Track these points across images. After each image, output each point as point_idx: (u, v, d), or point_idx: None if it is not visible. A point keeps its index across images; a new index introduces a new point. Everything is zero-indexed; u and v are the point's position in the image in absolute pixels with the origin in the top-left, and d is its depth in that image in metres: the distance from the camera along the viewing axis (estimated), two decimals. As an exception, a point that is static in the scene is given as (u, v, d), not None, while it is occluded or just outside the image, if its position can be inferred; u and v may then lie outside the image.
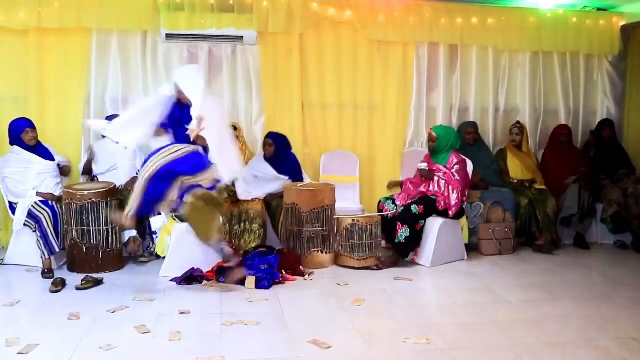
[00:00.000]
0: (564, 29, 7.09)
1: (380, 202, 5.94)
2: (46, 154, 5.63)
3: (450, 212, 5.67)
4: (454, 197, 5.66)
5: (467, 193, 5.87)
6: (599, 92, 7.51)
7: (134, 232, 5.64)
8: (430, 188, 5.77)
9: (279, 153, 6.19)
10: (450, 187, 5.68)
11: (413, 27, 6.78)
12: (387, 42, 6.84)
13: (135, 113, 4.96)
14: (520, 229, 6.35)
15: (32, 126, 5.56)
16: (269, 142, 6.21)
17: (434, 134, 5.85)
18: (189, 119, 4.78)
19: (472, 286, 5.20)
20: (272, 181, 6.10)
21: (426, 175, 5.76)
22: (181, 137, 4.83)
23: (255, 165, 6.19)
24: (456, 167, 5.71)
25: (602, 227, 6.67)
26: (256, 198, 5.96)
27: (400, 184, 6.03)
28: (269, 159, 6.20)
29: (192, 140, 4.71)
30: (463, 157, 5.87)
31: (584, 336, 4.05)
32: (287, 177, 6.14)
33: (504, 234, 6.18)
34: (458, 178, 5.69)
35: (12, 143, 5.55)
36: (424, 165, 5.77)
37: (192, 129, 4.67)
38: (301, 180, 6.21)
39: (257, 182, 6.09)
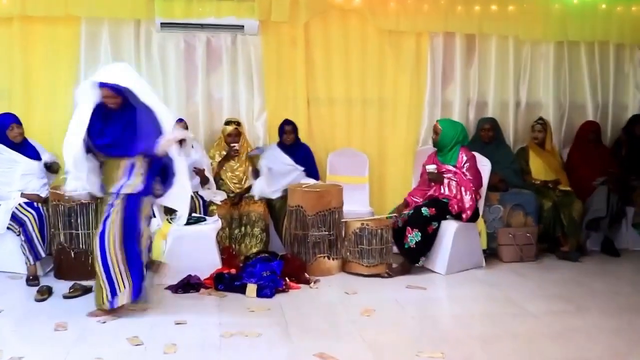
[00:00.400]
0: (592, 16, 7.06)
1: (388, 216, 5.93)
2: (32, 153, 5.63)
3: (464, 215, 5.65)
4: (467, 199, 5.65)
5: (481, 191, 5.87)
6: (630, 85, 7.47)
7: None
8: (442, 191, 5.76)
9: (297, 141, 6.30)
10: (463, 189, 5.67)
11: (427, 15, 6.76)
12: (398, 32, 6.83)
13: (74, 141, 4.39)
14: (543, 233, 6.33)
15: (18, 122, 5.56)
16: (289, 129, 6.31)
17: (439, 126, 5.86)
18: (121, 127, 4.40)
19: (491, 296, 5.19)
20: (290, 173, 6.15)
21: (435, 179, 5.75)
22: (108, 149, 4.45)
23: (271, 156, 6.21)
24: (467, 165, 5.71)
25: (632, 233, 6.65)
26: (260, 199, 5.99)
27: (405, 205, 5.98)
28: (287, 147, 6.25)
29: (161, 151, 4.39)
30: (472, 152, 5.87)
31: (613, 351, 4.04)
32: (303, 168, 6.20)
33: (525, 239, 6.16)
34: (470, 177, 5.68)
35: None
36: (432, 168, 5.75)
37: (170, 137, 4.39)
38: (316, 171, 6.33)
39: (272, 176, 6.11)
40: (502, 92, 7.14)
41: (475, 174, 5.73)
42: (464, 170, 5.70)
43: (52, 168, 5.73)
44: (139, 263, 4.47)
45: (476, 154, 6.09)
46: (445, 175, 5.76)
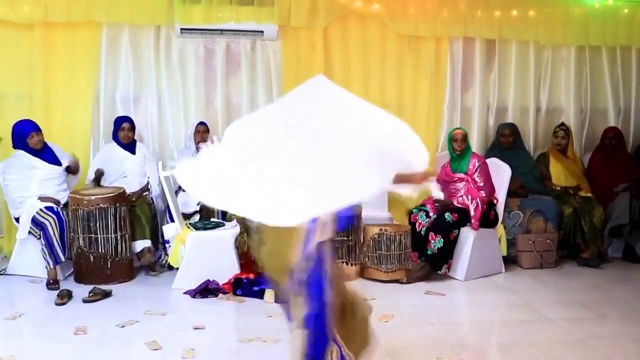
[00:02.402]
0: (614, 20, 7.01)
1: (411, 212, 5.91)
2: (53, 158, 5.70)
3: (473, 222, 5.65)
4: (472, 207, 5.64)
5: (497, 196, 5.86)
6: (652, 90, 7.42)
7: (148, 242, 5.70)
8: (456, 203, 5.76)
9: None
10: (470, 197, 5.66)
11: (446, 20, 6.75)
12: (418, 37, 6.82)
13: None
14: (563, 240, 6.31)
15: (37, 129, 5.61)
16: None
17: (462, 132, 5.89)
18: None
19: (510, 302, 5.17)
20: None
21: (442, 206, 5.74)
22: None
23: None
24: (478, 170, 5.73)
25: (655, 240, 6.60)
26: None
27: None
28: None
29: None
30: (483, 158, 5.92)
31: (635, 359, 4.00)
32: None
33: (545, 245, 6.13)
34: (481, 183, 5.69)
35: (15, 146, 5.62)
36: (439, 196, 5.74)
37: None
38: None
39: None
40: (522, 97, 7.10)
41: (487, 180, 5.73)
42: (475, 176, 5.70)
43: (71, 169, 5.77)
44: None
45: (496, 159, 6.09)
46: (456, 185, 5.79)
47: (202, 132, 6.12)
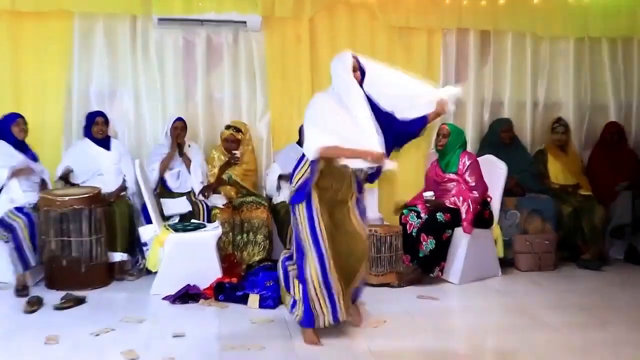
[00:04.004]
0: (615, 11, 7.04)
1: (402, 214, 5.89)
2: (31, 156, 5.70)
3: (464, 224, 5.63)
4: (463, 210, 5.64)
5: (487, 193, 5.83)
6: (655, 84, 7.45)
7: (123, 256, 5.66)
8: (448, 203, 5.74)
9: None
10: (461, 198, 5.65)
11: (439, 10, 6.76)
12: (409, 28, 6.83)
13: None
14: (562, 241, 6.32)
15: (24, 119, 5.65)
16: None
17: (447, 128, 5.87)
18: None
19: (507, 307, 5.17)
20: None
21: (433, 206, 5.73)
22: None
23: (287, 157, 6.11)
24: (468, 170, 5.72)
25: (658, 240, 6.63)
26: (261, 205, 5.95)
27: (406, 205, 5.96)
28: None
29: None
30: (474, 155, 5.92)
31: (638, 366, 4.01)
32: None
33: (543, 246, 6.14)
34: (472, 184, 5.69)
35: None
36: (430, 195, 5.75)
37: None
38: None
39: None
40: (519, 91, 7.13)
41: (479, 178, 5.73)
42: (466, 176, 5.69)
43: (42, 185, 5.74)
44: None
45: (491, 156, 6.09)
46: (446, 185, 5.80)
47: (179, 129, 6.08)
